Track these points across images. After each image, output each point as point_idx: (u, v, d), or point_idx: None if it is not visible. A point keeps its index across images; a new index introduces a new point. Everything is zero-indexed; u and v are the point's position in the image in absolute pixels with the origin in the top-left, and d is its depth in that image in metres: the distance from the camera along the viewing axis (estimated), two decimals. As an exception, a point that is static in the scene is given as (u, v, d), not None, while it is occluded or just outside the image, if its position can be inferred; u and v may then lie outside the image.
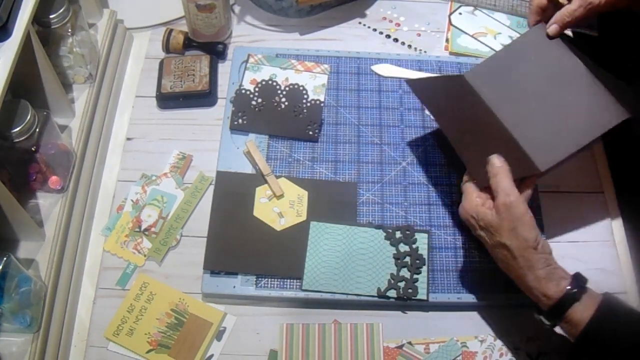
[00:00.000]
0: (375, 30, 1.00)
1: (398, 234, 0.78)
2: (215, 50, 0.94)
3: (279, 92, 0.88)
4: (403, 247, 0.77)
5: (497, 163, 0.68)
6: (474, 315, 0.76)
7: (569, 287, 0.63)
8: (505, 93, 0.74)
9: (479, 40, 0.98)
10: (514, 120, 0.72)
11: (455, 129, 0.75)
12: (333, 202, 0.81)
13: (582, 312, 0.62)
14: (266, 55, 0.93)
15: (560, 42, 0.76)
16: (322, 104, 0.87)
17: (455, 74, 0.76)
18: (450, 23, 1.01)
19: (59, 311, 0.72)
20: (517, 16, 1.01)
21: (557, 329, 0.66)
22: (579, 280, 0.64)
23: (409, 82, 0.78)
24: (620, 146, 0.91)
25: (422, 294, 0.75)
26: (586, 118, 0.74)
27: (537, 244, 0.65)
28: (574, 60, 0.76)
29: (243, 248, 0.76)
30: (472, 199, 0.69)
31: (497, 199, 0.66)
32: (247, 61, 0.92)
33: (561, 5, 0.74)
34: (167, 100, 0.89)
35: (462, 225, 0.80)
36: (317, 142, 0.86)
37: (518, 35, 0.99)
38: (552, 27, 0.75)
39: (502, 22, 1.01)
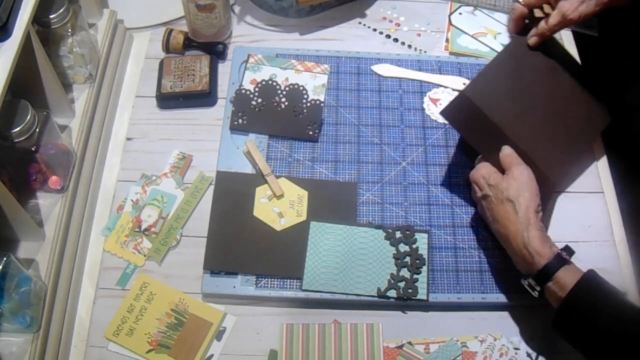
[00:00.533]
0: (375, 30, 1.00)
1: (398, 234, 0.78)
2: (215, 50, 0.94)
3: (279, 92, 0.88)
4: (403, 247, 0.77)
5: (507, 150, 0.75)
6: (474, 315, 0.76)
7: (560, 251, 0.68)
8: (506, 109, 0.77)
9: (479, 40, 0.98)
10: (523, 138, 0.76)
11: (480, 143, 0.78)
12: (333, 202, 0.81)
13: (571, 276, 0.66)
14: (266, 55, 0.93)
15: (539, 53, 0.82)
16: (322, 104, 0.87)
17: (457, 94, 0.78)
18: (450, 23, 1.01)
19: (59, 311, 0.72)
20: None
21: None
22: (569, 250, 0.69)
23: (442, 113, 0.80)
24: (620, 146, 0.91)
25: (422, 294, 0.75)
26: (579, 127, 0.80)
27: (539, 211, 0.71)
28: (556, 69, 0.82)
29: (243, 248, 0.76)
30: (487, 165, 0.76)
31: (511, 168, 0.73)
32: (247, 61, 0.92)
33: (538, 18, 0.81)
34: (167, 100, 0.89)
35: (461, 224, 0.80)
36: (317, 142, 0.86)
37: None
38: (532, 39, 0.82)
39: (503, 22, 1.01)
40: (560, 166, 0.78)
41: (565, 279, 0.65)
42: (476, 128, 0.77)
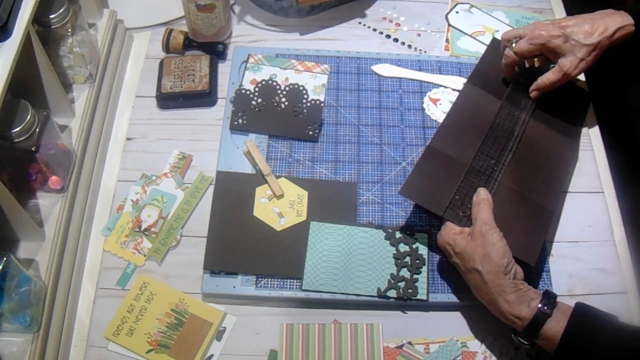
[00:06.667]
0: (375, 30, 1.00)
1: (398, 234, 0.78)
2: (215, 50, 0.94)
3: (279, 92, 0.88)
4: (403, 247, 0.77)
5: (482, 194, 0.72)
6: (474, 315, 0.76)
7: (539, 306, 0.66)
8: (479, 153, 0.78)
9: (478, 40, 0.98)
10: (505, 174, 0.77)
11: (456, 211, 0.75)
12: (333, 202, 0.81)
13: (555, 326, 0.64)
14: (266, 55, 0.93)
15: (487, 94, 0.84)
16: (322, 104, 0.87)
17: (425, 151, 0.78)
18: (447, 23, 1.01)
19: (59, 311, 0.72)
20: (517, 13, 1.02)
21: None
22: (549, 297, 0.67)
23: (404, 193, 0.75)
24: (620, 146, 0.91)
25: (422, 294, 0.75)
26: (556, 151, 0.81)
27: (508, 271, 0.67)
28: (517, 103, 0.84)
29: (243, 248, 0.76)
30: (450, 227, 0.72)
31: (475, 226, 0.69)
32: (247, 61, 0.92)
33: (528, 68, 0.84)
34: (167, 100, 0.89)
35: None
36: (317, 142, 0.86)
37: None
38: (533, 93, 0.84)
39: (501, 20, 1.01)
40: (550, 192, 0.77)
41: (551, 331, 0.64)
42: (445, 188, 0.75)
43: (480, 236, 0.68)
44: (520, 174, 0.77)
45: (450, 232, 0.71)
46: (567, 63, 0.79)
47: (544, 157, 0.81)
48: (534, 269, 0.76)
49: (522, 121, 0.82)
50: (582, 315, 0.65)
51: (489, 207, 0.71)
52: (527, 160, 0.79)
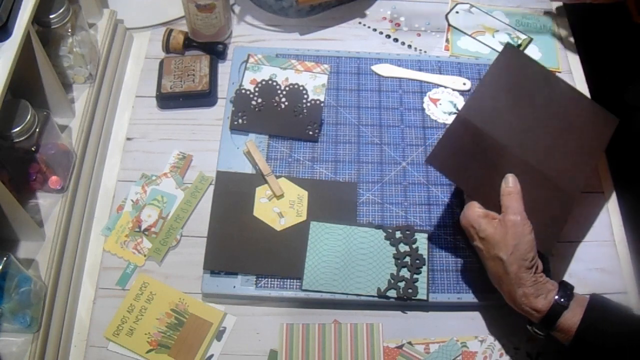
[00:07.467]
0: (375, 30, 1.00)
1: (398, 234, 0.78)
2: (215, 50, 0.94)
3: (279, 92, 0.88)
4: (403, 247, 0.77)
5: (511, 182, 0.70)
6: (474, 315, 0.76)
7: (556, 297, 0.65)
8: (507, 126, 0.74)
9: (478, 40, 0.98)
10: (531, 153, 0.74)
11: (474, 184, 0.73)
12: (333, 202, 0.81)
13: (572, 318, 0.64)
14: (266, 55, 0.93)
15: (529, 64, 0.79)
16: (322, 104, 0.87)
17: (454, 120, 0.75)
18: (447, 23, 1.01)
19: (59, 311, 0.72)
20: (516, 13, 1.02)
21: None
22: (565, 289, 0.66)
23: (430, 161, 0.74)
24: (620, 146, 0.91)
25: (422, 294, 0.75)
26: (587, 134, 0.77)
27: (532, 265, 0.66)
28: (550, 79, 0.79)
29: (243, 248, 0.76)
30: (475, 209, 0.70)
31: (506, 214, 0.68)
32: (247, 61, 0.92)
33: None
34: (167, 100, 0.89)
35: (460, 228, 0.80)
36: (317, 142, 0.86)
37: (517, 32, 0.99)
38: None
39: (501, 20, 1.01)
40: (576, 177, 0.74)
41: (567, 322, 0.64)
42: (471, 163, 0.73)
43: (512, 225, 0.66)
44: (543, 150, 0.74)
45: (475, 214, 0.69)
46: None
47: (571, 129, 0.76)
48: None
49: (549, 87, 0.77)
50: (598, 307, 0.65)
51: (519, 197, 0.69)
52: (552, 134, 0.75)
